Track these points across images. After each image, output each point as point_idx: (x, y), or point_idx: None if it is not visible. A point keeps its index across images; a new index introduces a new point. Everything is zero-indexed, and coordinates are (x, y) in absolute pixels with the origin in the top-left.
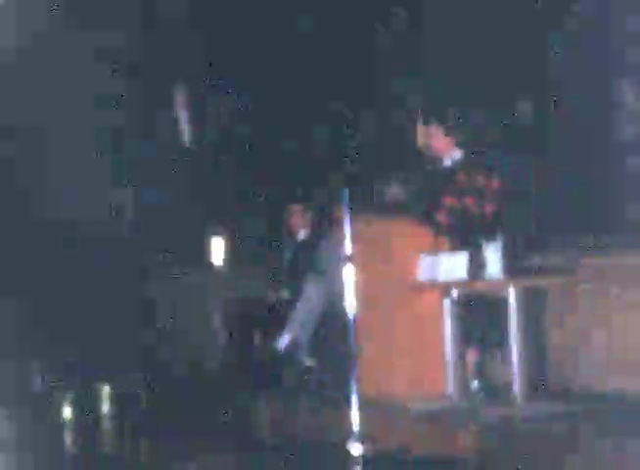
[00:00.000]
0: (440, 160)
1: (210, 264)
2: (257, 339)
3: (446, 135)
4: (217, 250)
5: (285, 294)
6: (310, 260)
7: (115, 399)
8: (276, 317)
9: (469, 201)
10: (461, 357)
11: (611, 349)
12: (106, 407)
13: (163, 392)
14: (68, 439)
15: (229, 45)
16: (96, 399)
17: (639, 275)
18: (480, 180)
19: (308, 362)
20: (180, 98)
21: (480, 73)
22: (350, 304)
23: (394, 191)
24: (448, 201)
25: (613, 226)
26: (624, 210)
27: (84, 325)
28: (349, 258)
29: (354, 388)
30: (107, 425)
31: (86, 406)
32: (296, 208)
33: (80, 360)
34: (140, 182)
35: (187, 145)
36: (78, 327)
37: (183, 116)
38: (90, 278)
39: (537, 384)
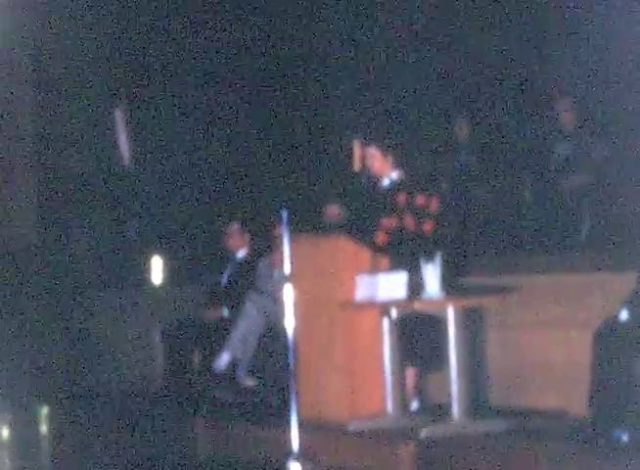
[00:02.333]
0: (379, 180)
1: (148, 284)
2: (197, 359)
3: (385, 155)
4: (156, 269)
5: (224, 313)
6: (249, 280)
7: (54, 420)
8: (215, 337)
9: (407, 220)
10: (400, 376)
11: (549, 367)
12: (44, 428)
13: (100, 413)
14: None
15: (170, 65)
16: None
17: (577, 294)
18: (419, 200)
19: (248, 382)
20: (119, 117)
21: (418, 94)
22: (290, 323)
23: (333, 210)
24: (387, 220)
25: (551, 245)
26: (562, 229)
27: (16, 345)
28: (289, 278)
29: (294, 407)
30: (45, 446)
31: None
32: (234, 227)
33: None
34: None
35: (124, 164)
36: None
37: (122, 135)
38: (22, 296)
39: (477, 402)
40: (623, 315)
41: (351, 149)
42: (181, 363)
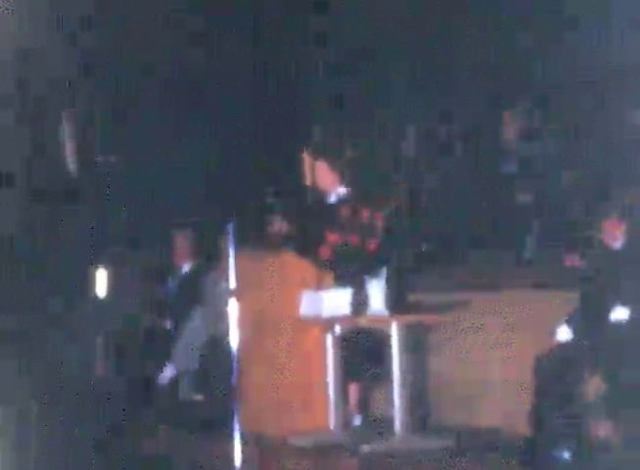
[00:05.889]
0: (326, 195)
1: (93, 295)
2: (140, 372)
3: (333, 171)
4: (100, 280)
5: (168, 326)
6: (195, 293)
7: None
8: (160, 349)
9: (352, 237)
10: (343, 392)
11: (492, 384)
12: None
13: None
14: None
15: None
16: None
17: (524, 311)
18: (365, 216)
19: (192, 396)
20: (67, 125)
21: (367, 110)
22: (234, 337)
23: (279, 224)
24: (332, 236)
25: (498, 262)
26: (507, 245)
27: None
28: (233, 292)
29: (236, 420)
30: None
31: None
32: (180, 239)
33: None
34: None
35: (71, 173)
36: None
37: (69, 143)
38: None
39: (419, 419)
40: (565, 335)
41: (299, 163)
42: (125, 376)
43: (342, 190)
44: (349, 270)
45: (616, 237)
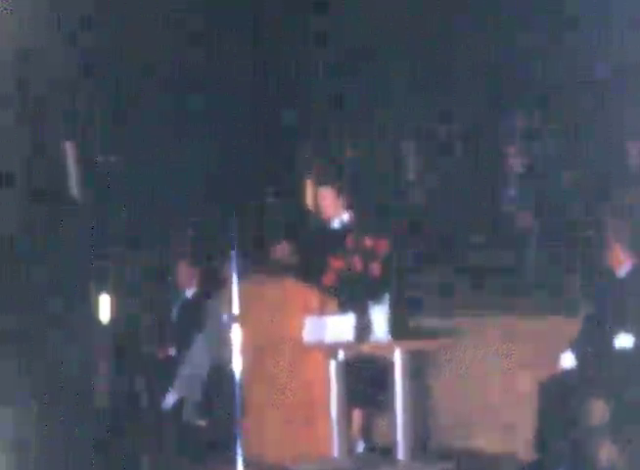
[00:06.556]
0: (330, 221)
1: (96, 320)
2: (144, 396)
3: (337, 197)
4: (103, 306)
5: (172, 352)
6: (197, 319)
7: None
8: (163, 374)
9: (356, 263)
10: (347, 419)
11: (495, 409)
12: None
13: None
14: None
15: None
16: None
17: (525, 338)
18: (368, 242)
19: (196, 421)
20: (69, 147)
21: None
22: (237, 363)
23: (282, 250)
24: (335, 262)
25: (500, 289)
26: (510, 272)
27: None
28: (237, 318)
29: (239, 447)
30: None
31: None
32: (182, 265)
33: None
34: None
35: (73, 197)
36: None
37: (71, 166)
38: None
39: (422, 444)
40: (568, 361)
41: (303, 189)
42: (128, 400)
43: (345, 216)
44: (353, 296)
45: (621, 263)
